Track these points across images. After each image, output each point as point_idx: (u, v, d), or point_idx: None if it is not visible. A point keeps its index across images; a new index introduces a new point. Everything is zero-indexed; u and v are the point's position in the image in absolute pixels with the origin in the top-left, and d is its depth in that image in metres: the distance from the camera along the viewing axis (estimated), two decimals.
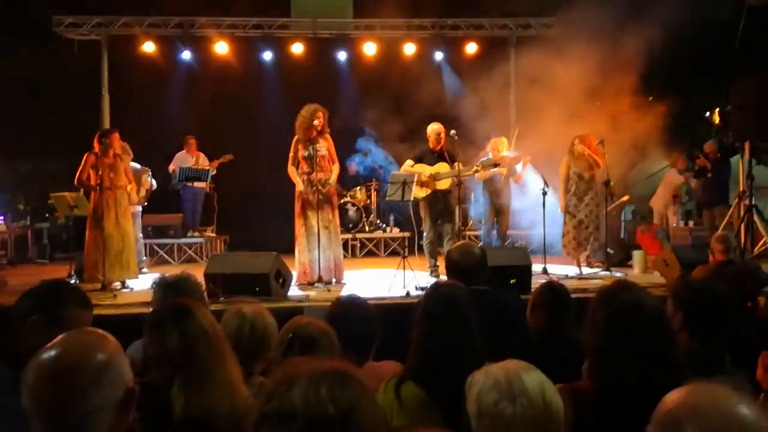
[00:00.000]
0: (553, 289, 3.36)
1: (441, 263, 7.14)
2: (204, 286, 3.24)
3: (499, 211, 7.91)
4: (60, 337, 1.44)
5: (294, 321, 2.48)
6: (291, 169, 6.81)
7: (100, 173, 6.56)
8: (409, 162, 7.45)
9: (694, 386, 1.24)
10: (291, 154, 6.81)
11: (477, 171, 7.34)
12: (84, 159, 6.65)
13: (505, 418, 1.60)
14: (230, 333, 2.54)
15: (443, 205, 7.39)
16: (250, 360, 2.50)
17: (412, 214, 7.78)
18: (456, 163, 7.12)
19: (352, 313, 2.85)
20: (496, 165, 7.47)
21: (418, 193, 7.29)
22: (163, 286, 3.06)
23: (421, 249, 7.54)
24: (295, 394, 1.12)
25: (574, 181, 7.64)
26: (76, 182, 6.71)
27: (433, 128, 7.40)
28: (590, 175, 7.63)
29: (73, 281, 7.16)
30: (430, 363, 2.45)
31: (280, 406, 1.11)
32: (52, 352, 1.39)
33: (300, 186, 6.71)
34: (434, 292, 2.65)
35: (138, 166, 8.30)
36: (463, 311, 2.53)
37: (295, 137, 6.81)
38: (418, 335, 2.51)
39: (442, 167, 7.28)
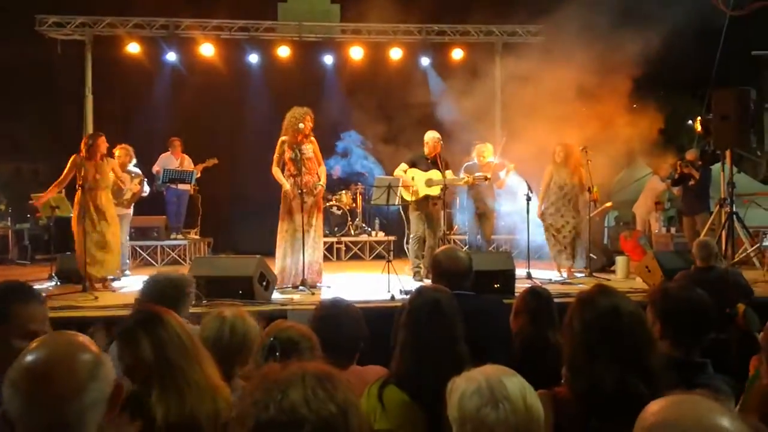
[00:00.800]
0: (537, 294, 3.38)
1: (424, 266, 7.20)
2: (190, 286, 3.23)
3: (483, 216, 7.98)
4: (36, 341, 1.46)
5: (275, 325, 2.47)
6: (276, 170, 6.78)
7: (83, 174, 6.58)
8: (403, 166, 7.48)
9: (673, 399, 1.21)
10: (276, 156, 6.79)
11: (467, 182, 7.52)
12: (69, 162, 6.71)
13: (488, 424, 1.59)
14: (210, 336, 2.54)
15: (432, 211, 7.45)
16: (230, 363, 2.49)
17: (403, 215, 7.81)
18: (447, 172, 7.30)
19: (336, 316, 2.84)
20: (486, 178, 7.57)
21: (408, 196, 7.36)
22: (149, 284, 3.08)
23: (404, 251, 7.57)
24: (295, 398, 1.13)
25: (553, 191, 7.72)
26: (57, 184, 6.73)
27: (432, 136, 7.50)
28: (572, 183, 7.68)
29: (54, 283, 7.12)
30: (413, 367, 2.45)
31: (281, 413, 1.12)
32: (39, 354, 1.40)
33: (286, 186, 6.70)
34: (419, 296, 2.64)
35: (137, 170, 8.28)
36: (448, 316, 2.53)
37: (282, 138, 6.78)
38: (402, 339, 2.52)
39: (435, 174, 7.36)
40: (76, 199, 6.66)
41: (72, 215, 6.82)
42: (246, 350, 2.57)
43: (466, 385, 1.67)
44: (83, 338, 1.49)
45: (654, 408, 1.20)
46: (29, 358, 1.39)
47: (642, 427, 1.19)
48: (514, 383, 1.66)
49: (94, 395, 1.39)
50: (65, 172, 6.68)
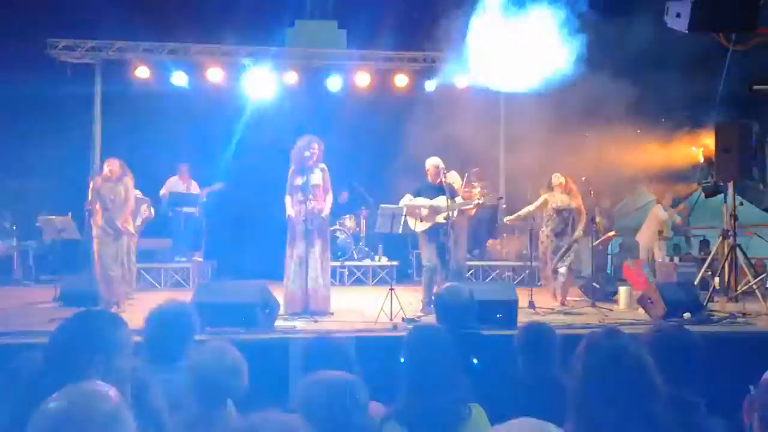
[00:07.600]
0: (536, 330, 3.34)
1: None
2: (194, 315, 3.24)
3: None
4: (63, 390, 1.53)
5: None
6: (287, 199, 6.94)
7: (101, 197, 7.00)
8: (407, 197, 7.31)
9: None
10: (288, 186, 6.94)
11: (478, 204, 7.49)
12: (90, 187, 7.21)
13: None
14: (195, 366, 2.61)
15: (443, 242, 7.20)
16: (217, 393, 2.57)
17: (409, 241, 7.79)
18: (456, 198, 7.21)
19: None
20: (500, 198, 7.60)
21: (418, 226, 7.23)
22: (154, 319, 3.10)
23: (407, 276, 7.54)
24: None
25: (551, 216, 7.77)
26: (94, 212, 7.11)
27: (432, 162, 7.31)
28: (571, 208, 7.75)
29: (57, 305, 7.16)
30: (413, 404, 2.49)
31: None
32: (59, 403, 1.47)
33: (289, 211, 6.81)
34: (416, 334, 2.71)
35: (139, 194, 8.28)
36: (445, 352, 2.58)
37: (291, 168, 6.92)
38: (401, 378, 2.56)
39: (441, 201, 7.14)
40: (94, 221, 7.00)
41: (81, 237, 7.04)
42: (231, 382, 2.62)
43: None
44: (105, 388, 1.55)
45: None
46: (51, 405, 1.46)
47: None
48: None
49: None
50: (90, 197, 7.16)
